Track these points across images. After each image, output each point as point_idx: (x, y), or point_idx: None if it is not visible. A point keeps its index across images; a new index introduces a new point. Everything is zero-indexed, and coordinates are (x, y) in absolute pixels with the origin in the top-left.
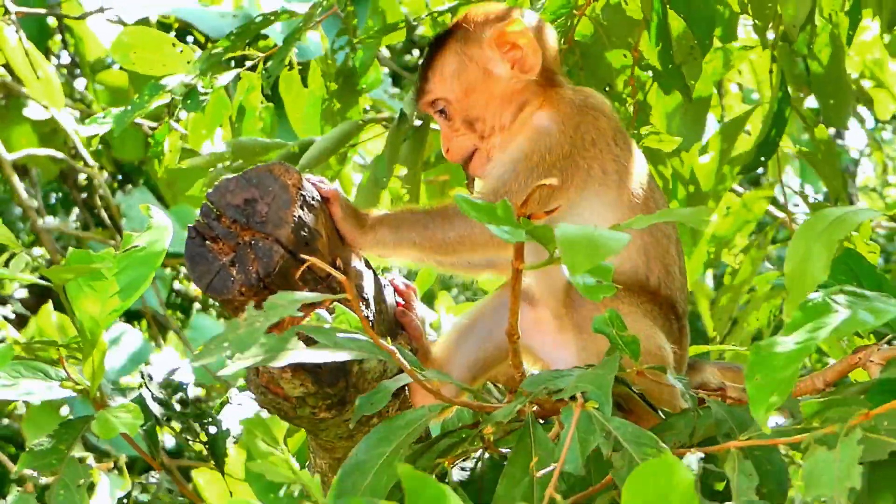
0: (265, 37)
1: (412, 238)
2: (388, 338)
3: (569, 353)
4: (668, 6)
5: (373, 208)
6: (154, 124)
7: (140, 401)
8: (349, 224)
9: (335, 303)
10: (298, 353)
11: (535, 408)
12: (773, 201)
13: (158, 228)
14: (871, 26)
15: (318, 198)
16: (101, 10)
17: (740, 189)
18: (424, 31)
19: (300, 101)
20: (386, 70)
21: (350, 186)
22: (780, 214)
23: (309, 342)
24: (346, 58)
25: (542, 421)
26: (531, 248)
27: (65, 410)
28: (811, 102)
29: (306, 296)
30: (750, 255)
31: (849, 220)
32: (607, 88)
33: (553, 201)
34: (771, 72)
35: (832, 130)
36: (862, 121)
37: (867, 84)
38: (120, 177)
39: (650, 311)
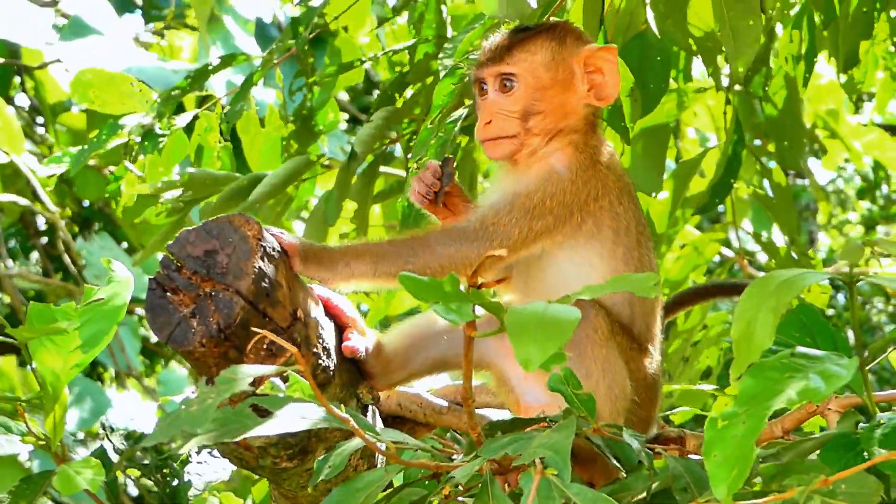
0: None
1: (390, 271)
2: (350, 387)
3: (542, 384)
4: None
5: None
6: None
7: (101, 453)
8: (314, 266)
9: (289, 370)
10: (254, 428)
11: (493, 464)
12: (726, 242)
13: (119, 282)
14: (824, 75)
15: (279, 248)
16: (58, 60)
17: (695, 231)
18: (383, 75)
19: (258, 141)
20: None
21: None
22: (725, 250)
23: (263, 411)
24: (304, 99)
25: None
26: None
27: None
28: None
29: (259, 369)
30: None
31: (796, 283)
32: None
33: (539, 243)
34: (725, 113)
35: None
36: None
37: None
38: (82, 219)
39: (645, 366)
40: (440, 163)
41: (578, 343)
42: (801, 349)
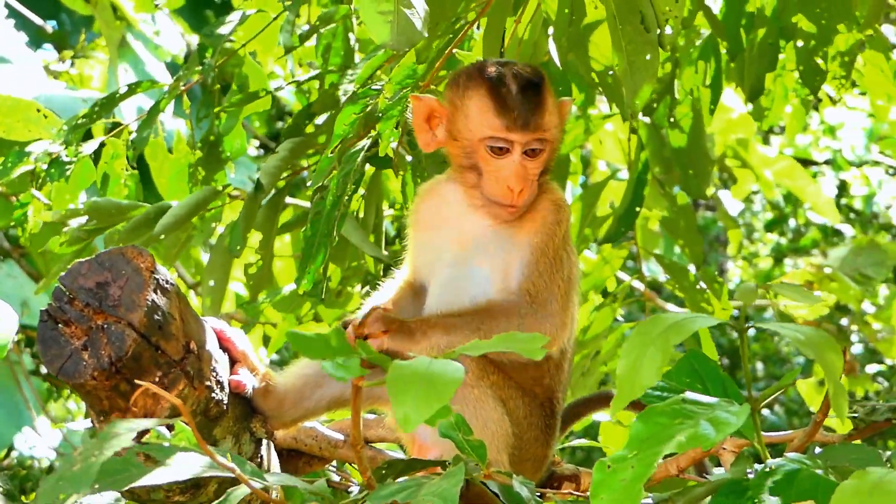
0: None
1: (461, 340)
2: (243, 420)
3: None
4: None
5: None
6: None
7: None
8: (399, 340)
9: (175, 419)
10: (141, 477)
11: None
12: (636, 272)
13: (3, 320)
14: (734, 108)
15: (172, 281)
16: None
17: (592, 256)
18: (294, 103)
19: (165, 168)
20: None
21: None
22: (634, 282)
23: (149, 458)
24: (211, 126)
25: None
26: None
27: None
28: None
29: (143, 423)
30: (602, 313)
31: (684, 326)
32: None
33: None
34: (629, 141)
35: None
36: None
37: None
38: None
39: (528, 403)
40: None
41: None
42: (691, 395)
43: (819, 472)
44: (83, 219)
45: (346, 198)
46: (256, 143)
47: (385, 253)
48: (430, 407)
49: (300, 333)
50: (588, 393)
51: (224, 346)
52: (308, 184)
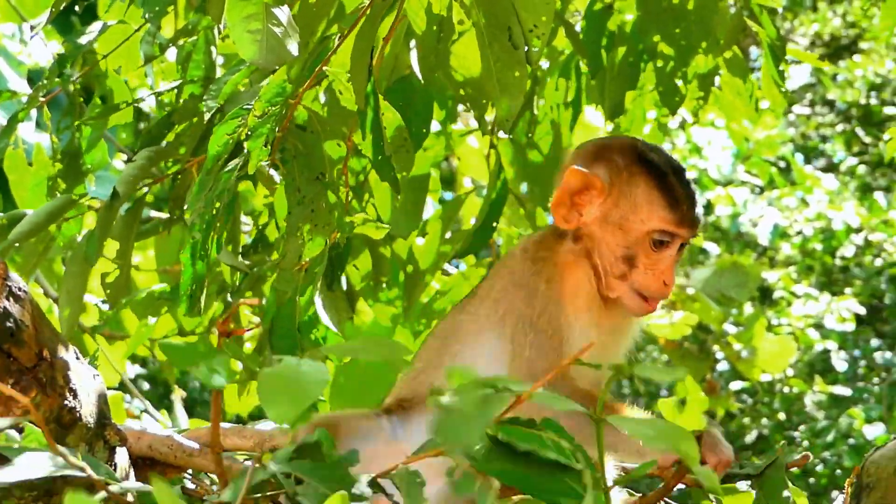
0: None
1: None
2: (97, 428)
3: None
4: (382, 97)
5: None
6: None
7: None
8: None
9: (24, 419)
10: None
11: None
12: None
13: None
14: (599, 126)
15: (25, 288)
16: None
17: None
18: (153, 112)
19: (25, 180)
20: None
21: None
22: None
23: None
24: (72, 137)
25: None
26: None
27: None
28: None
29: None
30: None
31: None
32: (320, 177)
33: None
34: (488, 156)
35: None
36: None
37: None
38: None
39: None
40: None
41: None
42: None
43: None
44: None
45: (218, 215)
46: (124, 156)
47: (247, 262)
48: (299, 404)
49: (171, 343)
50: None
51: None
52: (185, 207)
